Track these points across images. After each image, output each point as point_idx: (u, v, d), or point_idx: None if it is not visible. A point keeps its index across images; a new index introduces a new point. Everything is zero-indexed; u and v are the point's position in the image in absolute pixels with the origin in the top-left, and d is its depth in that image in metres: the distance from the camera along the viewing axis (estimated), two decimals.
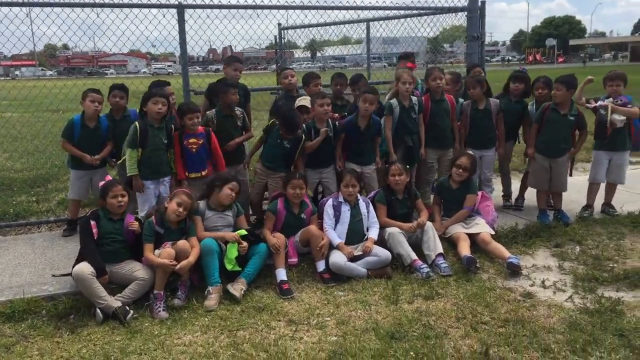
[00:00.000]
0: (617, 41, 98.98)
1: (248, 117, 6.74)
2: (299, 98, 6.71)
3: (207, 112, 6.32)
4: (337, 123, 6.38)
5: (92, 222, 4.89)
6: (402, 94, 6.54)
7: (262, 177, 6.29)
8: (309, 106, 6.37)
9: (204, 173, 5.97)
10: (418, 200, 6.09)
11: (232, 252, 5.09)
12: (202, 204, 5.40)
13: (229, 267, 5.05)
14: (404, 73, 6.61)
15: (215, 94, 6.49)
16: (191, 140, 5.91)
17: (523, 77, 7.06)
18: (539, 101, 6.94)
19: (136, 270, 4.85)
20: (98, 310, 4.49)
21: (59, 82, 7.38)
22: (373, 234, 5.65)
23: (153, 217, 5.12)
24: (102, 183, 5.11)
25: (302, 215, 5.68)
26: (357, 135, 6.36)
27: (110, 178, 5.24)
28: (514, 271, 5.23)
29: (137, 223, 5.06)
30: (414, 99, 6.67)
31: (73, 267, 4.72)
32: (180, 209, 5.02)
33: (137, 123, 5.66)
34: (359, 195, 5.82)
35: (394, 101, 6.56)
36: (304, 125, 6.20)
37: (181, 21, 6.57)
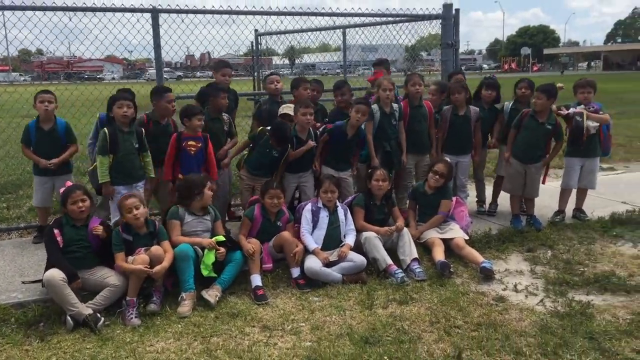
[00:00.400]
0: (590, 50, 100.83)
1: (234, 122, 6.76)
2: (283, 106, 6.72)
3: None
4: (318, 132, 6.41)
5: (56, 231, 4.80)
6: (383, 101, 6.58)
7: (248, 182, 6.26)
8: (292, 114, 6.37)
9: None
10: (395, 208, 6.13)
11: (209, 257, 5.05)
12: (180, 208, 5.36)
13: (205, 272, 5.01)
14: (384, 80, 6.66)
15: (205, 98, 6.49)
16: (190, 143, 5.90)
17: (494, 84, 7.16)
18: (521, 101, 7.04)
19: (108, 276, 4.78)
20: (68, 318, 4.41)
21: (30, 87, 7.24)
22: (350, 240, 5.66)
23: (120, 226, 5.04)
24: (62, 189, 5.00)
25: (278, 223, 5.67)
26: (343, 142, 6.39)
27: (71, 184, 5.16)
28: (487, 275, 5.29)
29: (101, 228, 4.95)
30: (395, 105, 6.72)
31: (44, 273, 4.64)
32: (134, 212, 4.90)
33: (105, 129, 5.59)
34: (337, 201, 5.83)
35: (374, 107, 6.61)
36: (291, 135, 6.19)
37: (155, 26, 6.52)
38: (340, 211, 5.79)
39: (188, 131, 5.91)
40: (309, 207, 5.75)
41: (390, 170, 6.61)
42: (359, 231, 5.76)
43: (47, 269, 4.69)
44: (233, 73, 7.25)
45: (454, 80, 7.29)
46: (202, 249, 5.12)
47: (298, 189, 6.51)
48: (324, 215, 5.67)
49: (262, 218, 5.63)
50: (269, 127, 6.14)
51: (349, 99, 6.96)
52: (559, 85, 6.69)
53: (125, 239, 4.95)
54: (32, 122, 6.24)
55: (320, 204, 5.74)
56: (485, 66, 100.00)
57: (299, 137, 6.22)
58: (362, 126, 6.48)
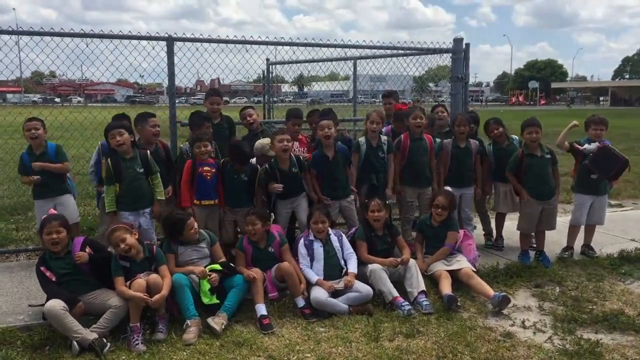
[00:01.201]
0: (597, 85, 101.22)
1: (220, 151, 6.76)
2: (259, 141, 6.69)
3: (181, 146, 6.37)
4: (301, 157, 6.43)
5: (42, 268, 4.81)
6: (370, 134, 6.64)
7: (229, 215, 6.21)
8: (268, 153, 6.40)
9: (216, 202, 6.03)
10: (399, 237, 6.12)
11: (205, 285, 5.08)
12: (172, 242, 5.38)
13: (205, 301, 5.02)
14: (373, 112, 6.76)
15: (191, 126, 6.54)
16: (206, 168, 6.00)
17: (474, 119, 7.24)
18: (497, 141, 7.13)
19: (109, 298, 4.78)
20: (74, 343, 4.41)
21: (44, 110, 7.32)
22: (352, 267, 5.64)
23: (117, 254, 5.01)
24: (43, 217, 5.00)
25: (270, 249, 5.65)
26: (328, 165, 6.41)
27: (54, 212, 5.16)
28: (503, 305, 5.25)
29: (82, 254, 4.87)
30: (384, 138, 6.76)
31: (45, 303, 4.64)
32: (122, 245, 4.88)
33: (109, 159, 5.66)
34: (329, 229, 5.81)
35: (362, 139, 6.68)
36: (267, 166, 6.22)
37: (170, 54, 6.65)
38: (334, 238, 5.78)
39: (199, 157, 5.98)
40: (302, 242, 5.76)
41: None
42: (363, 264, 5.75)
43: (47, 299, 4.69)
44: (235, 100, 7.31)
45: (460, 114, 7.33)
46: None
47: (294, 213, 6.46)
48: (317, 247, 5.67)
49: (252, 247, 5.63)
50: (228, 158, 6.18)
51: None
52: (573, 123, 6.74)
53: (122, 265, 4.96)
54: (24, 152, 6.29)
55: (311, 237, 5.74)
56: (491, 97, 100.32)
57: (281, 169, 6.20)
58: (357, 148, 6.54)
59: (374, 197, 6.12)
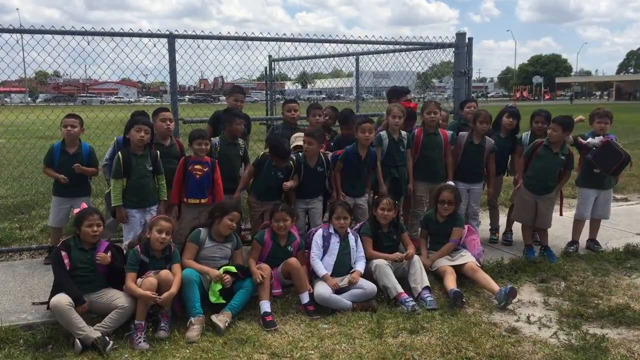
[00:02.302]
0: (602, 80, 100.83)
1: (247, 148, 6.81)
2: (295, 135, 6.72)
3: (212, 139, 6.35)
4: (329, 156, 6.43)
5: (63, 253, 4.80)
6: (392, 127, 6.60)
7: (257, 208, 6.26)
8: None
9: (203, 201, 6.00)
10: (404, 234, 6.09)
11: (217, 285, 5.05)
12: (203, 232, 5.37)
13: (212, 299, 5.00)
14: (394, 107, 6.69)
15: (220, 122, 6.53)
16: (197, 167, 5.97)
17: (515, 113, 7.15)
18: (537, 134, 7.02)
19: (116, 298, 4.76)
20: (77, 341, 4.39)
21: (46, 110, 7.32)
22: (360, 266, 5.62)
23: (138, 246, 5.06)
24: (77, 210, 5.02)
25: (289, 248, 5.64)
26: (358, 164, 6.39)
27: (86, 206, 5.18)
28: (510, 298, 5.22)
29: (105, 255, 4.89)
30: (404, 133, 6.73)
31: (49, 298, 4.64)
32: (163, 235, 4.99)
33: (119, 153, 5.67)
34: (349, 228, 5.80)
35: (383, 133, 6.62)
36: (294, 157, 6.22)
37: (172, 51, 6.63)
38: (351, 237, 5.76)
39: (194, 155, 5.98)
40: (320, 232, 5.73)
41: (398, 197, 6.59)
42: (368, 259, 5.73)
43: (53, 292, 4.70)
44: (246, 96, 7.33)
45: (480, 110, 7.23)
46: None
47: (308, 214, 6.49)
48: (335, 241, 5.65)
49: (272, 242, 5.62)
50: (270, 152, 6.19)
51: (326, 122, 7.06)
52: (579, 117, 6.69)
53: (141, 260, 4.98)
54: (57, 144, 6.27)
55: (331, 230, 5.72)
56: (492, 93, 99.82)
57: (307, 164, 6.24)
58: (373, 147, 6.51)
59: (398, 192, 6.21)
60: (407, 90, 8.04)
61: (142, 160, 5.70)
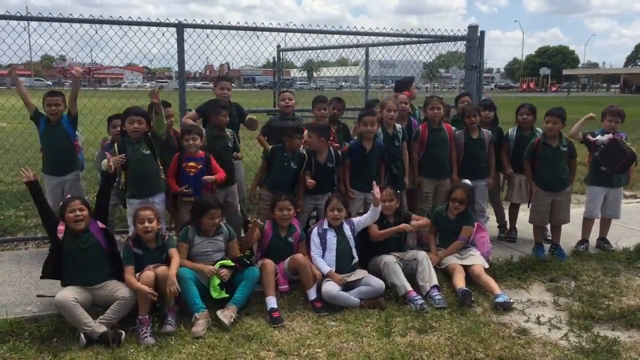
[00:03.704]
0: (609, 72, 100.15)
1: (238, 137, 6.69)
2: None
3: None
4: (339, 151, 6.35)
5: (60, 227, 4.80)
6: (386, 121, 6.52)
7: (268, 202, 6.02)
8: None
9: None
10: (412, 216, 6.03)
11: (215, 280, 5.02)
12: (191, 229, 5.31)
13: (214, 295, 4.97)
14: (389, 101, 6.61)
15: (205, 115, 6.43)
16: (190, 164, 5.86)
17: (490, 105, 7.10)
18: (523, 127, 6.97)
19: (118, 289, 4.73)
20: (81, 335, 4.36)
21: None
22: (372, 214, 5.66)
23: (130, 240, 5.06)
24: (62, 202, 5.02)
25: (289, 239, 5.60)
26: (364, 157, 6.31)
27: (70, 195, 5.18)
28: (505, 309, 5.15)
29: (110, 158, 5.11)
30: (398, 126, 6.64)
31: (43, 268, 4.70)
32: (145, 224, 4.94)
33: (116, 144, 5.68)
34: (343, 220, 5.72)
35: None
36: (305, 151, 6.14)
37: (180, 40, 6.55)
38: (346, 227, 5.69)
39: (188, 151, 5.89)
40: (315, 230, 5.67)
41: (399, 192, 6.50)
42: (377, 256, 5.67)
43: (44, 266, 4.81)
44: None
45: (467, 104, 7.16)
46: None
47: (316, 210, 6.40)
48: (331, 236, 5.58)
49: (272, 232, 5.58)
50: (279, 145, 6.12)
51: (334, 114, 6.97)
52: (590, 115, 6.60)
53: (135, 253, 4.95)
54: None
55: (325, 225, 5.65)
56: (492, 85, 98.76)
57: (317, 161, 6.16)
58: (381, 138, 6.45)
59: (397, 186, 6.12)
60: (411, 79, 7.96)
61: (138, 146, 5.60)
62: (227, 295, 4.99)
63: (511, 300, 5.20)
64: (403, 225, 5.72)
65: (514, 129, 7.09)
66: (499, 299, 5.18)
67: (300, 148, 6.14)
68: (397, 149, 6.61)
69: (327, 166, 6.21)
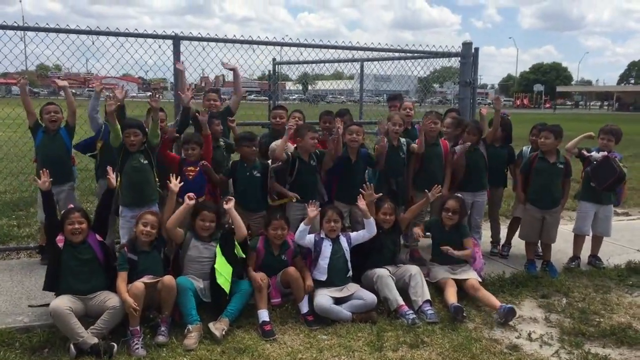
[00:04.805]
0: (603, 90, 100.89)
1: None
2: (275, 142, 6.49)
3: None
4: (318, 151, 6.35)
5: (59, 237, 4.86)
6: (392, 135, 6.56)
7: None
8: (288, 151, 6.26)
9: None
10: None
11: (227, 267, 5.09)
12: (189, 233, 5.33)
13: (220, 280, 4.97)
14: (395, 115, 6.66)
15: (195, 128, 6.44)
16: (189, 168, 5.96)
17: (505, 123, 7.12)
18: (535, 148, 6.97)
19: (108, 299, 4.72)
20: (71, 346, 4.35)
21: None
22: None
23: (125, 247, 5.09)
24: (63, 211, 5.05)
25: (283, 257, 5.55)
26: (349, 168, 6.33)
27: (72, 206, 5.22)
28: (509, 317, 5.18)
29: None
30: (402, 140, 6.70)
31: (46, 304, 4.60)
32: (148, 228, 5.01)
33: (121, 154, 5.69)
34: (340, 232, 5.72)
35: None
36: (289, 153, 6.14)
37: (177, 52, 6.57)
38: (343, 240, 5.69)
39: (187, 159, 6.00)
40: (311, 237, 5.64)
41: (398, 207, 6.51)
42: (370, 270, 5.67)
43: (46, 282, 4.80)
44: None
45: (467, 123, 7.19)
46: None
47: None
48: (326, 245, 5.57)
49: (265, 251, 5.54)
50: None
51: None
52: (589, 133, 6.67)
53: (130, 258, 4.97)
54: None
55: (322, 234, 5.66)
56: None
57: (301, 158, 6.17)
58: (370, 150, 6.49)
59: (396, 203, 6.14)
60: (399, 96, 8.07)
61: (136, 155, 5.64)
62: (226, 292, 4.99)
63: (513, 307, 5.24)
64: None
65: (527, 148, 7.14)
66: (503, 308, 5.20)
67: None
68: (402, 160, 6.68)
69: (310, 164, 6.21)
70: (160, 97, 5.61)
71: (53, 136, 6.20)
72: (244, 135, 6.19)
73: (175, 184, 5.33)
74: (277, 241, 5.52)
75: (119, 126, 5.60)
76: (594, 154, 6.68)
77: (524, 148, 7.19)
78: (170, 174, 5.52)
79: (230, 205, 5.32)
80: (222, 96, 7.29)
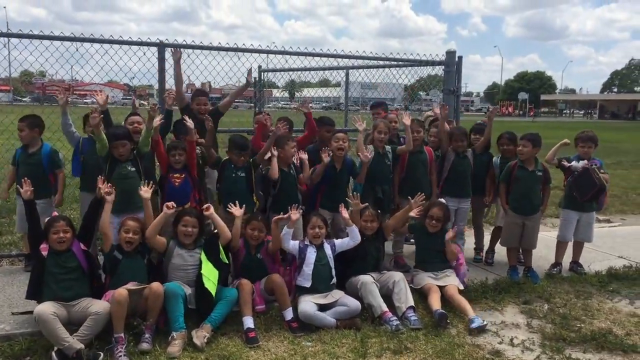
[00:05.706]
0: (586, 98, 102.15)
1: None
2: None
3: None
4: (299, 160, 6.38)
5: (43, 245, 4.86)
6: (377, 143, 6.61)
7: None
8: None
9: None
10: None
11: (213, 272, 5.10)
12: (172, 241, 5.32)
13: (208, 284, 4.99)
14: (380, 123, 6.70)
15: (178, 131, 6.44)
16: (175, 175, 5.99)
17: (483, 130, 7.20)
18: (504, 156, 7.07)
19: (91, 305, 4.70)
20: (53, 354, 4.32)
21: (36, 109, 7.15)
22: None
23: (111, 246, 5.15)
24: (47, 219, 5.01)
25: (259, 255, 5.58)
26: (333, 176, 6.36)
27: (57, 214, 5.21)
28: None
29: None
30: (388, 147, 6.75)
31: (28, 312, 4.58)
32: (130, 235, 5.04)
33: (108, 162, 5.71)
34: (324, 240, 5.73)
35: (370, 147, 6.62)
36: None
37: (161, 59, 6.58)
38: (327, 247, 5.71)
39: (173, 166, 6.01)
40: (295, 243, 5.65)
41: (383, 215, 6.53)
42: (354, 276, 5.69)
43: (28, 289, 4.78)
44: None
45: (457, 129, 7.27)
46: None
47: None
48: (311, 251, 5.57)
49: (245, 251, 5.58)
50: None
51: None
52: (564, 140, 6.75)
53: (114, 256, 5.04)
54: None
55: (307, 241, 5.67)
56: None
57: (282, 169, 6.18)
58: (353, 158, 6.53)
59: (380, 210, 6.14)
60: (383, 103, 8.14)
61: (124, 163, 5.68)
62: (212, 292, 4.98)
63: (485, 323, 5.25)
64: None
65: (497, 157, 7.21)
66: (474, 324, 5.20)
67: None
68: (388, 168, 6.72)
69: (290, 173, 6.23)
70: (159, 107, 5.62)
71: (30, 155, 6.20)
72: (235, 143, 6.12)
73: (145, 190, 5.33)
74: (252, 242, 5.54)
75: (104, 136, 5.60)
76: (574, 163, 6.76)
77: (494, 158, 7.24)
78: (144, 181, 5.54)
79: (210, 211, 5.33)
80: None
